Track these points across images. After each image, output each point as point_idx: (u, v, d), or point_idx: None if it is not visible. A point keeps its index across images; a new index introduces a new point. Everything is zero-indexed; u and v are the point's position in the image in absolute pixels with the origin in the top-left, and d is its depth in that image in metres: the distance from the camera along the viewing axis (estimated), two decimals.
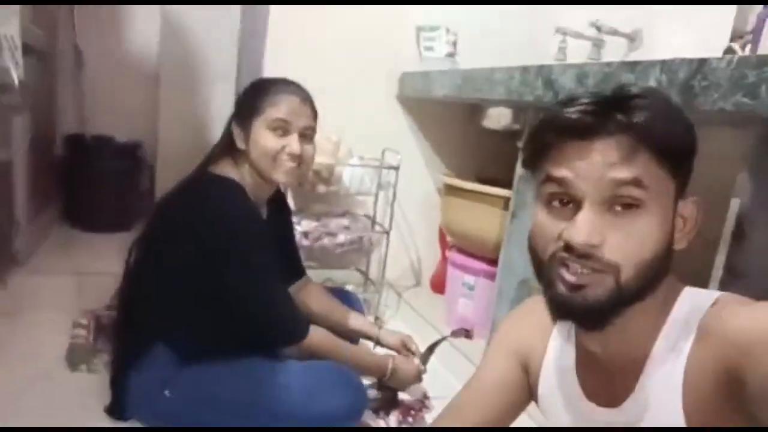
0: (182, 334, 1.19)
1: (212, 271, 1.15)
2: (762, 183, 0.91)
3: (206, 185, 1.22)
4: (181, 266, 1.17)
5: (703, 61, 0.90)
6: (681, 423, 0.57)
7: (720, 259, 0.95)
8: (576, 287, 0.57)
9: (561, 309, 0.60)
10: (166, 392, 1.14)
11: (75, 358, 1.41)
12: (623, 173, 0.55)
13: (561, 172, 0.58)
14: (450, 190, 1.77)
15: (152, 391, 1.15)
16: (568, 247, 0.57)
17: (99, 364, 1.40)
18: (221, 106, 2.43)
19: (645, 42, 1.84)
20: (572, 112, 0.58)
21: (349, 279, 2.05)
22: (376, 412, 1.41)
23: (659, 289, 0.60)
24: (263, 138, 1.20)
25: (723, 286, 0.95)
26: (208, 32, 2.24)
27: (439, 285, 2.09)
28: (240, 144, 1.23)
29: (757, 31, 1.02)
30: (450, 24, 1.97)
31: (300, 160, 1.22)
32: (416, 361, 1.42)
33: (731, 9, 1.47)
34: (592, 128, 0.57)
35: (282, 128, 1.20)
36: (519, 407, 0.79)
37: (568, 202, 0.59)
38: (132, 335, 1.23)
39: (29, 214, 1.84)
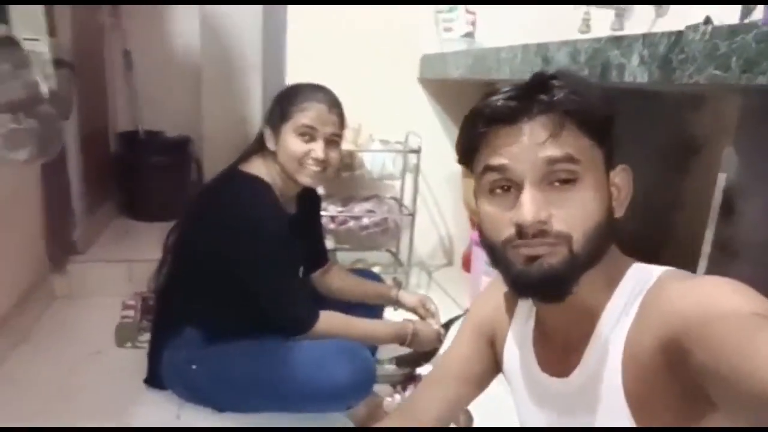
0: (208, 317, 1.31)
1: (234, 264, 1.25)
2: (747, 157, 0.89)
3: (234, 183, 1.31)
4: (209, 256, 1.28)
5: (680, 34, 0.88)
6: (620, 394, 0.59)
7: (709, 235, 0.94)
8: (532, 258, 0.59)
9: (521, 284, 0.62)
10: (193, 366, 1.26)
11: (122, 336, 1.58)
12: (554, 151, 0.58)
13: (497, 159, 0.61)
14: (468, 171, 1.79)
15: (181, 365, 1.27)
16: (520, 231, 0.59)
17: (143, 341, 1.56)
18: (255, 95, 2.55)
19: (672, 9, 1.76)
20: (497, 100, 0.61)
21: (379, 260, 2.11)
22: (393, 386, 1.48)
23: (606, 261, 0.62)
24: (290, 142, 1.27)
25: (712, 262, 0.94)
26: (240, 28, 2.35)
27: (469, 264, 2.11)
28: (270, 145, 1.31)
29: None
30: (469, 3, 1.96)
31: (325, 164, 1.29)
32: (435, 325, 1.47)
33: None
34: (517, 111, 0.60)
35: (309, 134, 1.27)
36: (486, 378, 0.84)
37: (509, 188, 0.61)
38: (166, 316, 1.37)
39: (87, 207, 2.03)
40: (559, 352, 0.69)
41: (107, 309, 1.74)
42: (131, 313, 1.71)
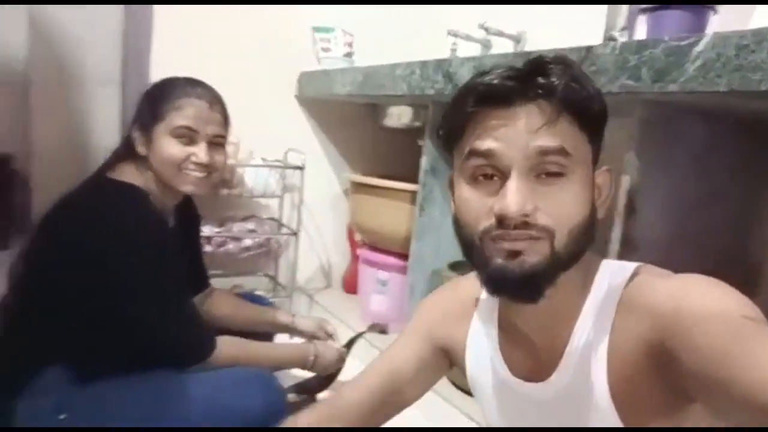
0: (78, 353, 1.08)
1: (110, 287, 1.05)
2: (646, 160, 1.00)
3: (104, 192, 1.11)
4: (76, 281, 1.06)
5: (590, 48, 0.97)
6: (606, 395, 0.58)
7: (616, 233, 1.03)
8: (513, 254, 0.56)
9: (498, 281, 0.58)
10: (61, 416, 1.02)
11: None
12: (548, 141, 0.55)
13: (486, 143, 0.56)
14: (358, 188, 1.77)
15: (44, 416, 1.03)
16: (501, 221, 0.55)
17: None
18: (107, 112, 2.26)
19: (529, 43, 1.97)
20: (492, 78, 0.56)
21: (257, 285, 1.98)
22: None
23: (581, 261, 0.59)
24: (167, 146, 1.11)
25: (620, 257, 1.03)
26: (85, 34, 2.08)
27: (351, 285, 2.08)
28: (141, 150, 1.13)
29: (630, 26, 1.12)
30: (345, 25, 1.98)
31: (209, 169, 1.15)
32: (336, 344, 1.40)
33: (602, 10, 1.61)
34: (513, 93, 0.56)
35: (188, 136, 1.12)
36: (420, 385, 0.80)
37: (492, 175, 0.57)
38: (18, 357, 1.10)
39: None
40: (531, 355, 0.66)
41: None
42: None
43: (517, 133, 0.55)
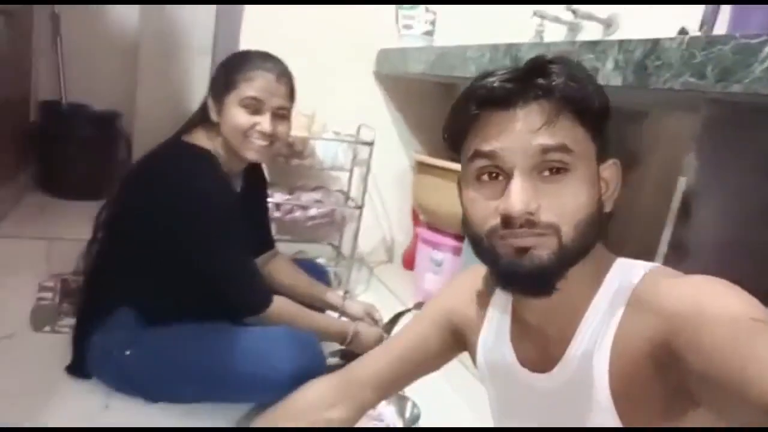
0: (147, 298, 1.21)
1: (178, 240, 1.16)
2: (706, 163, 0.94)
3: (178, 154, 1.22)
4: (150, 232, 1.19)
5: (656, 42, 0.92)
6: (606, 392, 0.59)
7: (666, 236, 0.98)
8: (521, 250, 0.57)
9: (508, 277, 0.60)
10: (128, 352, 1.16)
11: (39, 319, 1.43)
12: (549, 139, 0.56)
13: (489, 145, 0.58)
14: (421, 167, 1.79)
15: (113, 351, 1.16)
16: (507, 220, 0.57)
17: (64, 325, 1.42)
18: (199, 79, 2.44)
19: (621, 28, 1.86)
20: (492, 81, 0.58)
21: (321, 253, 2.07)
22: None
23: (592, 256, 0.60)
24: (234, 114, 1.19)
25: (667, 262, 0.99)
26: (187, 8, 2.24)
27: (410, 262, 2.11)
28: (213, 117, 1.23)
29: (713, 14, 1.04)
30: (430, 4, 1.97)
31: (272, 138, 1.22)
32: (379, 329, 1.45)
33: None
34: (513, 95, 0.57)
35: (254, 106, 1.19)
36: (433, 363, 0.84)
37: (497, 175, 0.59)
38: (97, 297, 1.25)
39: None
40: (539, 347, 0.67)
41: (22, 290, 1.57)
42: (49, 295, 1.55)
43: (519, 134, 0.57)
